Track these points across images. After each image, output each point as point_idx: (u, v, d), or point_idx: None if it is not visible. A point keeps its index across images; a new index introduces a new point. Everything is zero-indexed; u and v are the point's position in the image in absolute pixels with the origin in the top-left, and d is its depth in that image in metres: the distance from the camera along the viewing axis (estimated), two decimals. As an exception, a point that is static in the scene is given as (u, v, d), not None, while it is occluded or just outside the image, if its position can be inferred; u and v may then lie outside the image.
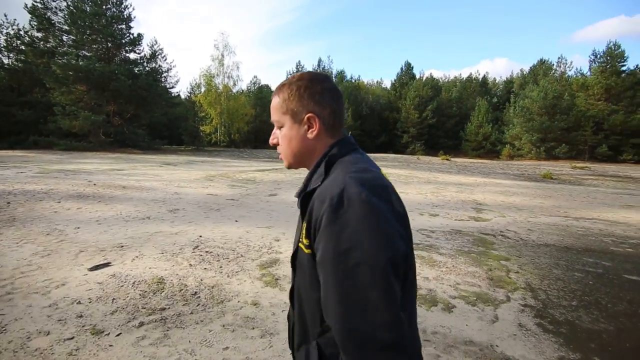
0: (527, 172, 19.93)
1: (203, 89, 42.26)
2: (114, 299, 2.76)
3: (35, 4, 24.17)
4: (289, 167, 0.90)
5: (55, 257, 3.69)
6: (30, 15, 24.88)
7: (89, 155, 18.98)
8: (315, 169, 0.82)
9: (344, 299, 0.64)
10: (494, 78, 57.89)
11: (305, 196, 0.79)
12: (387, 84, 59.76)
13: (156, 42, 27.46)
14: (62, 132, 22.09)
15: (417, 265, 4.20)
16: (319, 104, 0.81)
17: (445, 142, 46.57)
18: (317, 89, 0.82)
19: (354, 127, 43.78)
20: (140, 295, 2.84)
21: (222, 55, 42.04)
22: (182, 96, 42.30)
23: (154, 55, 25.93)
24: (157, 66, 26.54)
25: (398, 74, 52.10)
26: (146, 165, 14.72)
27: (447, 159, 28.18)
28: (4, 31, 26.57)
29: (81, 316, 2.48)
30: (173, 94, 33.08)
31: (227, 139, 42.59)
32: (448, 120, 47.32)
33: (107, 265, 3.51)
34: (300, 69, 54.56)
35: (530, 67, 49.37)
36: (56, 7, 25.05)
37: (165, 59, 28.59)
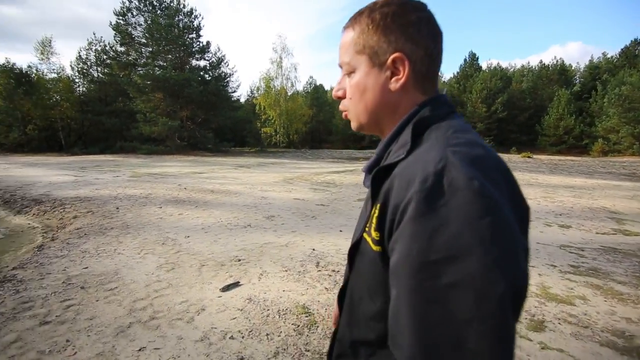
0: (639, 171, 17.03)
1: (262, 92, 43.45)
2: (267, 334, 2.37)
3: (118, 21, 26.53)
4: (359, 128, 0.66)
5: (180, 272, 3.49)
6: (114, 32, 27.41)
7: (167, 159, 20.26)
8: (395, 135, 0.60)
9: (425, 332, 0.44)
10: (571, 64, 51.55)
11: (379, 172, 0.57)
12: (446, 77, 56.42)
13: (219, 49, 28.76)
14: (143, 137, 23.96)
15: (598, 298, 3.38)
16: (412, 39, 0.57)
17: (518, 137, 42.54)
18: (412, 18, 0.58)
19: (414, 124, 41.82)
20: (295, 331, 2.42)
21: (281, 58, 42.84)
22: (242, 99, 44.11)
23: (219, 62, 27.11)
24: (222, 72, 27.69)
25: (461, 65, 48.81)
26: (222, 167, 15.15)
27: (529, 157, 25.42)
28: (94, 48, 29.71)
29: (242, 359, 2.10)
30: (235, 98, 34.40)
31: (286, 139, 43.38)
32: (520, 113, 43.14)
33: (237, 285, 3.19)
34: (356, 67, 53.77)
35: (622, 49, 43.01)
36: (135, 23, 27.30)
37: (227, 65, 29.89)
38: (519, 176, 13.09)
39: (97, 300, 2.83)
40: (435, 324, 0.44)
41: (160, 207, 6.52)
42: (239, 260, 3.89)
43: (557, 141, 39.18)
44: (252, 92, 49.30)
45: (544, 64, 48.11)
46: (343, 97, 0.67)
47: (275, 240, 4.69)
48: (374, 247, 0.56)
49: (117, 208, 6.35)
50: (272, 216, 6.05)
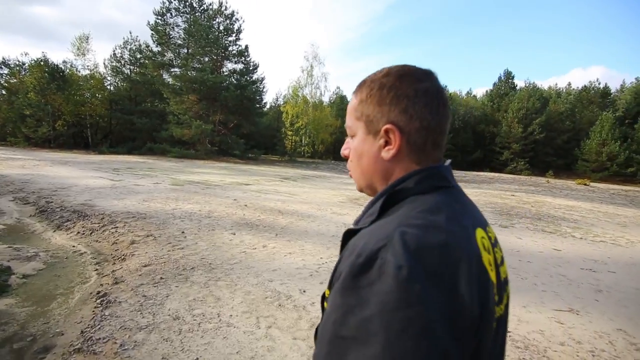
0: None
1: (290, 100, 42.61)
2: None
3: (157, 20, 26.01)
4: (359, 189, 0.68)
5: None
6: (151, 32, 26.91)
7: (199, 164, 19.16)
8: (375, 201, 0.61)
9: None
10: (609, 88, 49.19)
11: (346, 234, 0.59)
12: (478, 94, 54.81)
13: (248, 54, 27.73)
14: (173, 139, 23.02)
15: None
16: (406, 112, 0.58)
17: (554, 160, 40.37)
18: (407, 90, 0.58)
19: (444, 141, 40.16)
20: None
21: (312, 66, 42.01)
22: (267, 106, 43.21)
23: (256, 67, 26.21)
24: (258, 77, 26.78)
25: (495, 83, 47.20)
26: (265, 179, 13.87)
27: (586, 184, 23.42)
28: (129, 47, 29.30)
29: None
30: (262, 105, 33.51)
31: (311, 149, 42.26)
32: (558, 136, 41.01)
33: None
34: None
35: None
36: (173, 23, 26.76)
37: (256, 70, 28.95)
38: (601, 208, 11.35)
39: None
40: None
41: (234, 234, 5.17)
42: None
43: (599, 167, 36.89)
44: (277, 99, 48.58)
45: (585, 86, 46.06)
46: (348, 157, 0.68)
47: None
48: (326, 304, 0.57)
49: (182, 232, 5.03)
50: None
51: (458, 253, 0.48)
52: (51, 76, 25.02)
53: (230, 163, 21.21)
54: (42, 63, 25.93)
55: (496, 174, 32.63)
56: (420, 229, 0.49)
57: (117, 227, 5.15)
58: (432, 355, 0.42)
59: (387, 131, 0.58)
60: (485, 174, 31.29)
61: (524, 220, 7.95)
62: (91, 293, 3.26)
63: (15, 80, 31.28)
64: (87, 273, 3.85)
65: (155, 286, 3.23)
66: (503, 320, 0.58)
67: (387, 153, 0.59)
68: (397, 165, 0.60)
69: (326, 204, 8.51)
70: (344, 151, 0.69)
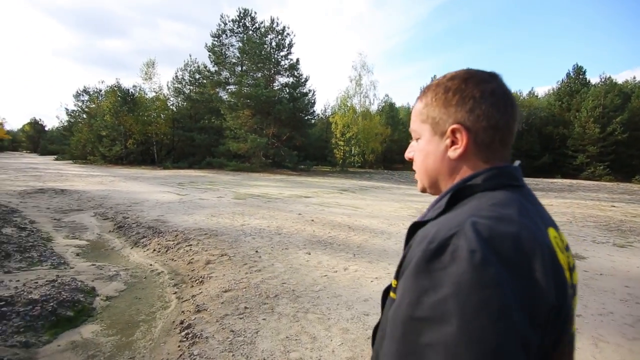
0: None
1: (339, 110, 42.51)
2: None
3: (214, 42, 27.50)
4: (422, 189, 0.69)
5: None
6: (209, 53, 28.50)
7: (255, 177, 19.50)
8: (442, 197, 0.61)
9: None
10: None
11: (412, 227, 0.59)
12: (540, 93, 50.27)
13: (298, 68, 28.05)
14: (229, 153, 23.85)
15: None
16: (472, 112, 0.58)
17: (642, 164, 35.30)
18: (474, 92, 0.59)
19: (506, 146, 37.06)
20: None
21: (360, 75, 41.66)
22: (315, 117, 43.48)
23: (306, 79, 26.50)
24: (308, 89, 27.03)
25: (563, 80, 42.91)
26: (324, 191, 13.55)
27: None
28: (189, 69, 31.35)
29: None
30: (314, 116, 33.69)
31: (361, 159, 41.57)
32: (645, 135, 35.90)
33: None
34: (435, 84, 50.62)
35: None
36: (228, 43, 28.09)
37: (307, 83, 29.18)
38: None
39: None
40: None
41: (309, 254, 4.76)
42: None
43: (701, 171, 31.46)
44: (325, 110, 48.78)
45: (676, 78, 40.01)
46: (412, 159, 0.70)
47: (580, 358, 2.49)
48: (392, 294, 0.58)
49: (256, 251, 4.74)
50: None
51: (532, 244, 0.47)
52: (123, 100, 27.49)
53: (284, 175, 21.35)
54: (115, 88, 28.66)
55: (574, 181, 29.20)
56: (492, 220, 0.48)
57: (191, 245, 5.01)
58: (509, 337, 0.42)
59: (453, 131, 0.59)
60: (560, 180, 28.15)
61: (642, 237, 6.59)
62: (174, 322, 3.00)
63: (94, 105, 35.05)
64: (166, 296, 3.65)
65: (241, 318, 2.88)
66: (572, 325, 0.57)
67: (454, 152, 0.60)
68: (464, 164, 0.60)
69: (395, 218, 7.85)
70: (408, 154, 0.71)
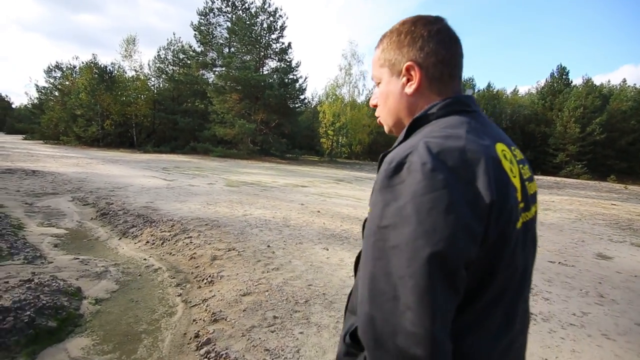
0: None
1: (328, 99, 41.75)
2: None
3: (200, 20, 26.04)
4: (389, 131, 0.76)
5: None
6: (194, 32, 27.01)
7: (244, 164, 18.70)
8: (403, 131, 0.68)
9: (372, 283, 0.54)
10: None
11: (382, 157, 0.65)
12: (521, 91, 51.23)
13: (290, 52, 27.05)
14: (215, 139, 22.82)
15: None
16: (422, 50, 0.66)
17: (617, 163, 36.71)
18: (422, 32, 0.66)
19: (491, 142, 37.60)
20: None
21: (350, 65, 40.91)
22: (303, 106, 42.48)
23: (297, 64, 25.53)
24: (299, 75, 26.12)
25: (547, 80, 43.80)
26: (320, 181, 13.01)
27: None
28: (172, 48, 29.68)
29: None
30: (304, 104, 32.84)
31: (349, 150, 41.18)
32: (621, 136, 37.29)
33: None
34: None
35: None
36: (216, 23, 26.69)
37: (298, 68, 28.20)
38: None
39: None
40: (380, 277, 0.52)
41: (327, 249, 4.26)
42: None
43: (673, 172, 32.98)
44: (312, 98, 47.87)
45: (652, 82, 41.66)
46: (377, 105, 0.76)
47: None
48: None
49: (268, 246, 4.19)
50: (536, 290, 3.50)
51: (476, 155, 0.54)
52: (100, 77, 25.72)
53: (274, 163, 20.62)
54: (92, 65, 26.76)
55: (557, 179, 30.02)
56: (441, 138, 0.56)
57: (190, 237, 4.40)
58: (458, 227, 0.50)
59: (407, 69, 0.66)
60: (544, 177, 28.77)
61: (653, 236, 6.47)
62: (185, 334, 2.44)
63: (67, 83, 32.76)
64: (169, 299, 3.06)
65: (272, 331, 2.35)
66: (531, 227, 0.65)
67: (410, 88, 0.67)
68: (420, 99, 0.67)
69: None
70: (372, 101, 0.77)
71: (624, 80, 47.11)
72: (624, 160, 37.15)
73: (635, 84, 44.35)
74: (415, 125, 0.64)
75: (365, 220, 0.67)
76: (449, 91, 0.66)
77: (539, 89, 45.41)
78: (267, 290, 2.96)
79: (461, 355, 0.55)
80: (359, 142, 41.16)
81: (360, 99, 43.49)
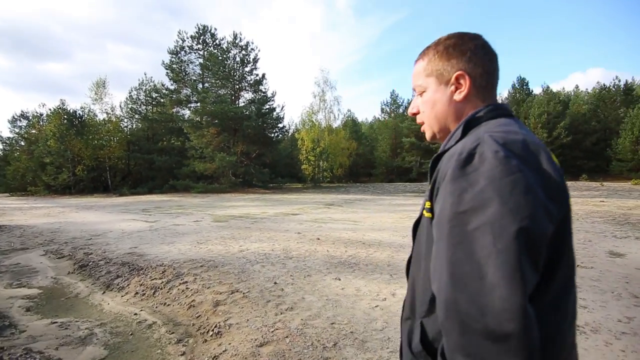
0: None
1: (305, 126, 42.17)
2: None
3: (172, 58, 26.06)
4: (432, 137, 0.79)
5: None
6: (166, 70, 26.94)
7: (228, 197, 18.14)
8: (455, 130, 0.72)
9: (454, 267, 0.53)
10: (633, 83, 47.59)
11: (435, 159, 0.69)
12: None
13: (265, 83, 27.22)
14: (195, 175, 22.20)
15: None
16: (471, 61, 0.72)
17: (585, 163, 38.51)
18: (469, 45, 0.73)
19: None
20: None
21: (323, 91, 41.81)
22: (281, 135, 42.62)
23: (273, 94, 25.71)
24: (275, 105, 26.24)
25: (509, 92, 46.29)
26: (309, 206, 12.67)
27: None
28: (144, 88, 29.37)
29: None
30: (283, 132, 32.91)
31: (330, 174, 41.30)
32: (586, 137, 39.42)
33: None
34: (395, 98, 52.30)
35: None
36: (188, 60, 26.78)
37: (274, 98, 28.40)
38: None
39: None
40: (462, 260, 0.52)
41: (339, 279, 3.90)
42: None
43: (637, 166, 34.86)
44: (289, 126, 48.20)
45: (604, 85, 44.87)
46: (417, 113, 0.80)
47: None
48: (426, 214, 0.68)
49: (275, 282, 3.79)
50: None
51: (535, 146, 0.59)
52: (70, 122, 24.88)
53: (258, 194, 20.13)
54: (60, 110, 25.91)
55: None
56: (503, 133, 0.60)
57: (186, 282, 3.93)
58: (538, 207, 0.52)
59: (457, 77, 0.71)
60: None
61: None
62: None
63: (34, 131, 31.54)
64: (171, 360, 2.60)
65: (306, 389, 1.96)
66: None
67: (459, 95, 0.72)
68: (467, 105, 0.72)
69: (403, 229, 7.21)
70: (411, 110, 0.81)
71: (577, 87, 50.56)
72: (591, 160, 39.03)
73: (587, 89, 47.22)
74: (470, 125, 0.68)
75: (416, 222, 0.74)
76: (491, 99, 0.72)
77: (503, 100, 47.83)
78: (287, 337, 2.57)
79: (546, 337, 0.54)
80: (340, 165, 41.45)
81: (336, 124, 44.25)
